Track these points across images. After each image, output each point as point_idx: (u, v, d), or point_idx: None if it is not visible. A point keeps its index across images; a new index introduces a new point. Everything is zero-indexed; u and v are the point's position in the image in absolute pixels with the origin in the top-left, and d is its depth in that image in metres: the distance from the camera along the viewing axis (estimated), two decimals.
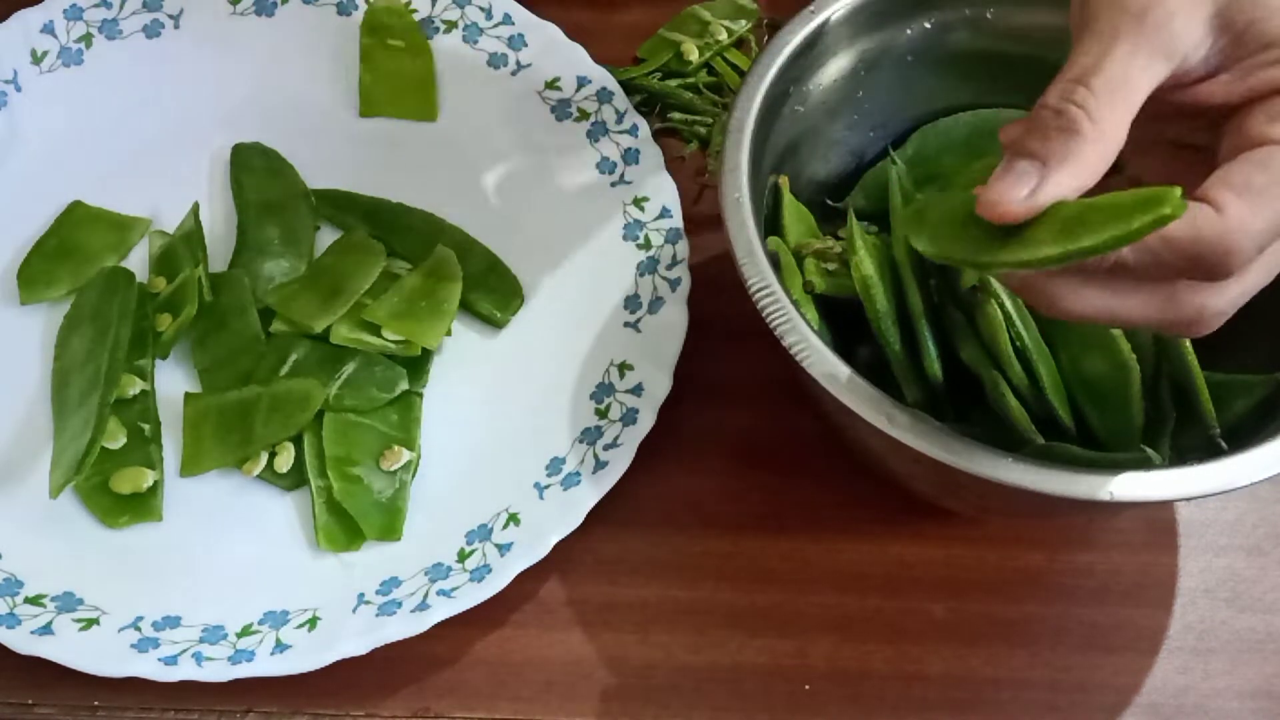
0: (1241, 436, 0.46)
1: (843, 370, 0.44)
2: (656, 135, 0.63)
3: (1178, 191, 0.33)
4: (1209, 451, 0.46)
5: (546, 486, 0.54)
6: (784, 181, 0.53)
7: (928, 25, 0.54)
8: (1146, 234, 0.34)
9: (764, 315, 0.45)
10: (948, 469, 0.43)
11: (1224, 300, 0.37)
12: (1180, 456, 0.49)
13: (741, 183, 0.48)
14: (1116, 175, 0.38)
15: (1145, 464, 0.45)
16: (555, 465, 0.54)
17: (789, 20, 0.52)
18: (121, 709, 0.50)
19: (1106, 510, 0.54)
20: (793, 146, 0.54)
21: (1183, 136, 0.41)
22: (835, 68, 0.54)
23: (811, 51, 0.53)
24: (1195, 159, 0.38)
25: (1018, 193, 0.36)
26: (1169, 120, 0.40)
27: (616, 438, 0.54)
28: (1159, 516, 0.56)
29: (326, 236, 0.61)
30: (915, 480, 0.51)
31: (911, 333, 0.51)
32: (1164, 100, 0.38)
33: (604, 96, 0.63)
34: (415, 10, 0.66)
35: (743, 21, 0.69)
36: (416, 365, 0.58)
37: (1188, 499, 0.53)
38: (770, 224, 0.52)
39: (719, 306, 0.58)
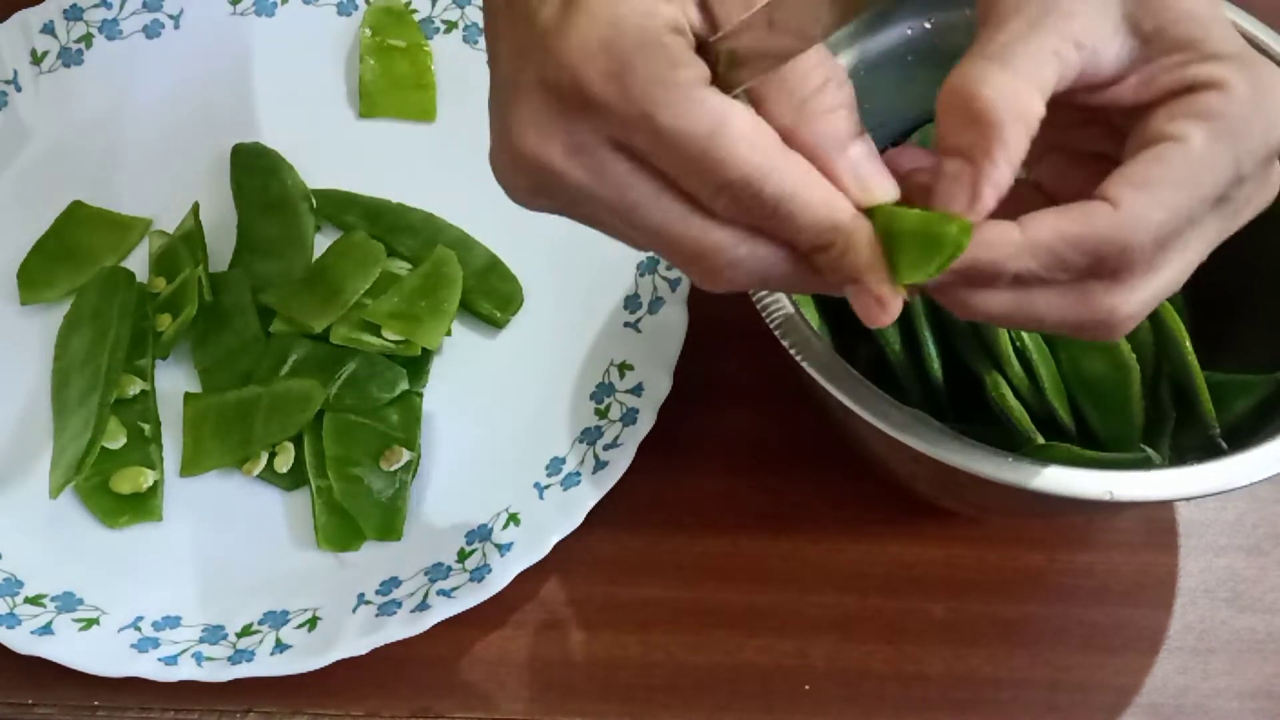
0: (1241, 436, 0.46)
1: (842, 370, 0.44)
2: None
3: (955, 227, 0.33)
4: (1209, 451, 0.46)
5: (546, 486, 0.54)
6: None
7: (928, 25, 0.54)
8: (946, 268, 0.33)
9: (764, 315, 0.45)
10: (947, 469, 0.43)
11: (1135, 302, 0.36)
12: (1180, 456, 0.49)
13: None
14: (1020, 178, 0.37)
15: (1145, 464, 0.45)
16: (555, 465, 0.54)
17: None
18: (121, 709, 0.50)
19: (1106, 510, 0.54)
20: None
21: (1086, 144, 0.40)
22: None
23: None
24: (1099, 168, 0.37)
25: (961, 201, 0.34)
26: (1073, 127, 0.39)
27: (616, 438, 0.54)
28: (1159, 516, 0.56)
29: (326, 236, 0.61)
30: (915, 480, 0.51)
31: (911, 333, 0.51)
32: (1070, 105, 0.37)
33: None
34: (415, 10, 0.66)
35: None
36: (416, 365, 0.58)
37: (1188, 499, 0.53)
38: None
39: (719, 306, 0.57)
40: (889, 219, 0.34)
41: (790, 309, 0.45)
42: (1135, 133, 0.36)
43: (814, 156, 0.34)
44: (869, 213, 0.34)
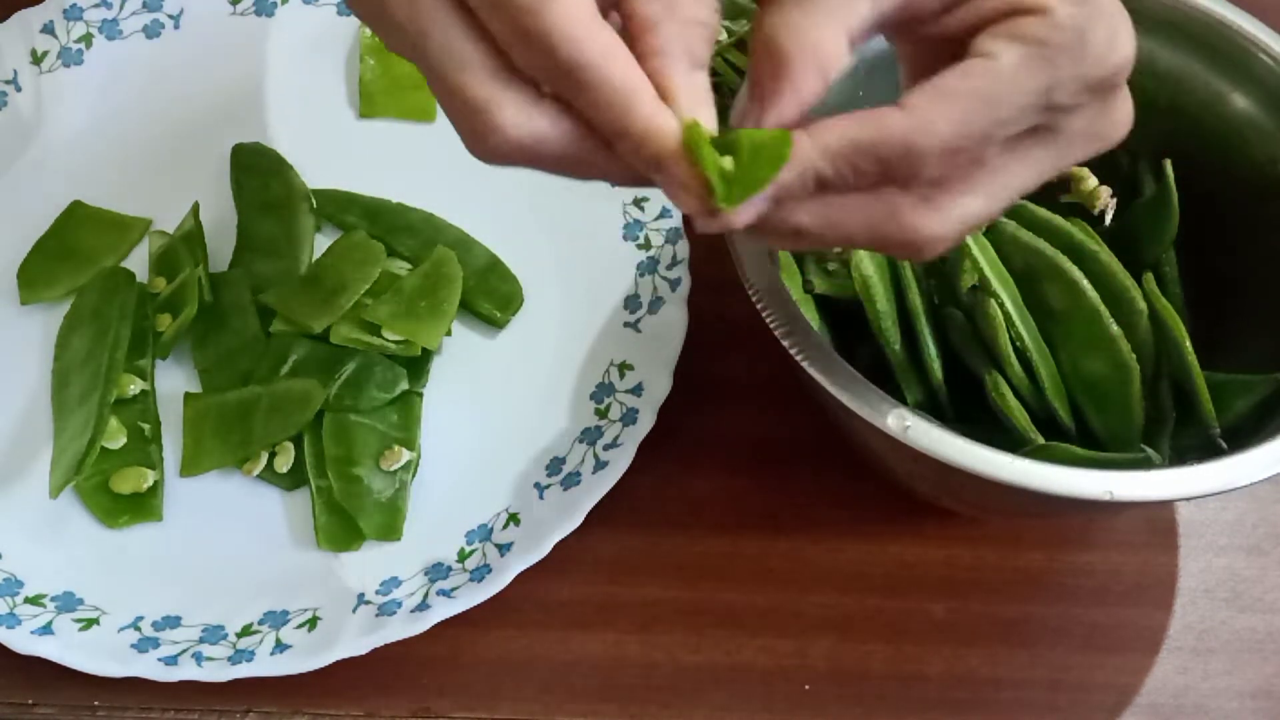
0: (1241, 436, 0.46)
1: (842, 370, 0.44)
2: None
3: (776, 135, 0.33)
4: (1209, 451, 0.46)
5: (546, 486, 0.54)
6: None
7: None
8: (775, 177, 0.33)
9: (764, 315, 0.45)
10: (947, 469, 0.43)
11: (941, 221, 0.35)
12: (1180, 457, 0.49)
13: None
14: None
15: (1145, 464, 0.45)
16: (555, 465, 0.54)
17: None
18: (121, 709, 0.50)
19: (1106, 510, 0.54)
20: None
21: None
22: None
23: None
24: None
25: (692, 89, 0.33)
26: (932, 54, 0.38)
27: (616, 438, 0.54)
28: (1159, 516, 0.56)
29: (326, 236, 0.61)
30: (915, 480, 0.51)
31: (912, 333, 0.51)
32: (901, 39, 0.38)
33: None
34: None
35: (743, 21, 0.69)
36: (416, 365, 0.58)
37: (1187, 499, 0.53)
38: None
39: (719, 306, 0.58)
40: (705, 142, 0.33)
41: (791, 309, 0.45)
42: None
43: (659, 58, 0.33)
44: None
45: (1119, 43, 0.35)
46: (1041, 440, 0.48)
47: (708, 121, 0.33)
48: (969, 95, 0.34)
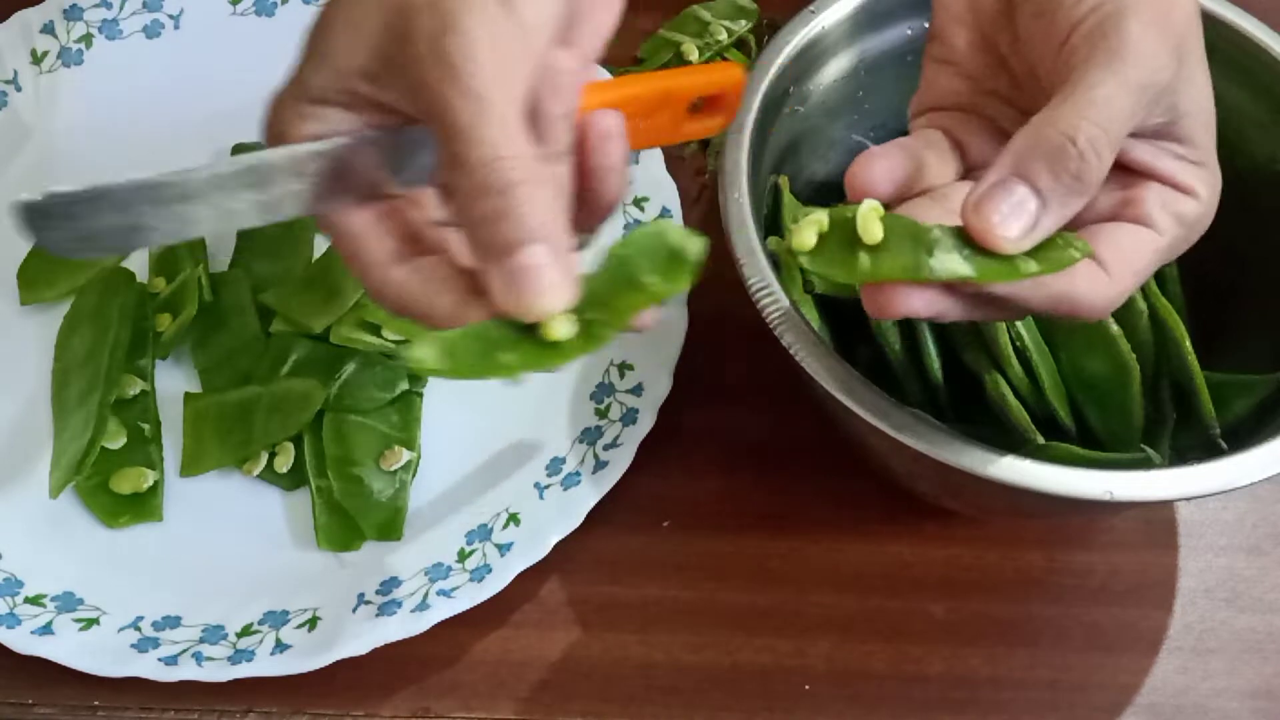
0: (1241, 436, 0.46)
1: (842, 370, 0.44)
2: None
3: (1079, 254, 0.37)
4: (1209, 451, 0.46)
5: (546, 486, 0.54)
6: (784, 182, 0.53)
7: (927, 25, 0.54)
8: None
9: (764, 315, 0.45)
10: (947, 468, 0.43)
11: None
12: (1181, 457, 0.49)
13: (741, 182, 0.48)
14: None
15: (1145, 464, 0.45)
16: (555, 465, 0.54)
17: (789, 20, 0.52)
18: (121, 709, 0.50)
19: (1107, 510, 0.54)
20: (793, 146, 0.54)
21: (1000, 119, 0.44)
22: (835, 68, 0.54)
23: (811, 51, 0.53)
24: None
25: (1015, 227, 0.37)
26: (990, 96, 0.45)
27: (616, 438, 0.54)
28: (1159, 516, 0.56)
29: (326, 236, 0.61)
30: (915, 480, 0.51)
31: (912, 333, 0.51)
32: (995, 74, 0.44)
33: None
34: None
35: (743, 21, 0.69)
36: None
37: (1188, 499, 0.53)
38: (770, 224, 0.52)
39: (719, 306, 0.57)
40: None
41: (790, 308, 0.45)
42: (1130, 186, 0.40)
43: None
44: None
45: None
46: (1041, 440, 0.48)
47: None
48: (1145, 268, 0.40)
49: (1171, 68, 0.39)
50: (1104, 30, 0.38)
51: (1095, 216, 0.40)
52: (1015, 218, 0.37)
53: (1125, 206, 0.40)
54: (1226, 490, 0.43)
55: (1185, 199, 0.41)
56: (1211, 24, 0.50)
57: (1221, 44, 0.51)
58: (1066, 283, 0.38)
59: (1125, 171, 0.40)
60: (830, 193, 0.56)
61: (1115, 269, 0.39)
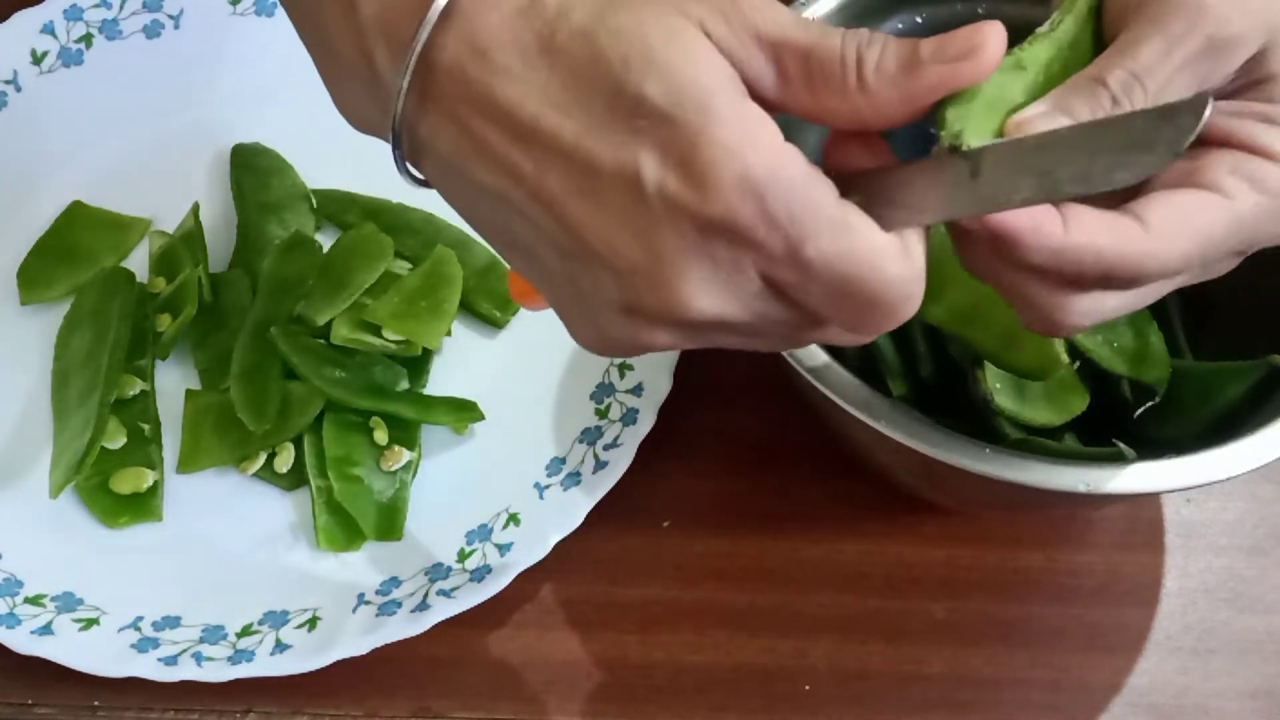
0: (1237, 423, 0.46)
1: (825, 362, 0.44)
2: None
3: None
4: (1203, 444, 0.46)
5: (546, 486, 0.54)
6: None
7: (919, 20, 0.54)
8: None
9: None
10: (928, 460, 0.43)
11: (1083, 314, 0.36)
12: (1177, 449, 0.49)
13: None
14: None
15: (1119, 459, 0.45)
16: (555, 465, 0.54)
17: None
18: (121, 709, 0.50)
19: (1087, 503, 0.53)
20: None
21: None
22: None
23: None
24: None
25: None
26: None
27: (616, 438, 0.54)
28: (1159, 517, 0.56)
29: (326, 236, 0.61)
30: (898, 472, 0.51)
31: (902, 329, 0.51)
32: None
33: None
34: None
35: None
36: (416, 365, 0.58)
37: (1166, 492, 0.53)
38: None
39: None
40: None
41: None
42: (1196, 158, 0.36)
43: None
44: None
45: None
46: (1022, 434, 0.48)
47: None
48: (1206, 234, 0.35)
49: (1244, 22, 0.36)
50: None
51: (1159, 187, 0.36)
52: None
53: (1190, 176, 0.36)
54: (1205, 484, 0.43)
55: (1265, 163, 0.36)
56: None
57: None
58: (1086, 235, 0.33)
59: (1201, 144, 0.37)
60: None
61: (1158, 225, 0.34)
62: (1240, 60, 0.37)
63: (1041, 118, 0.35)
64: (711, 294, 0.32)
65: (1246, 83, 0.38)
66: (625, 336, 0.34)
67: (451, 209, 0.37)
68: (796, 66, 0.32)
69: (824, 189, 0.32)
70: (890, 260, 0.32)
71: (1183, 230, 0.35)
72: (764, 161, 0.31)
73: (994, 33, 0.32)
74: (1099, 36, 0.39)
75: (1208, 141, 0.37)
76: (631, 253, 0.32)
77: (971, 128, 0.32)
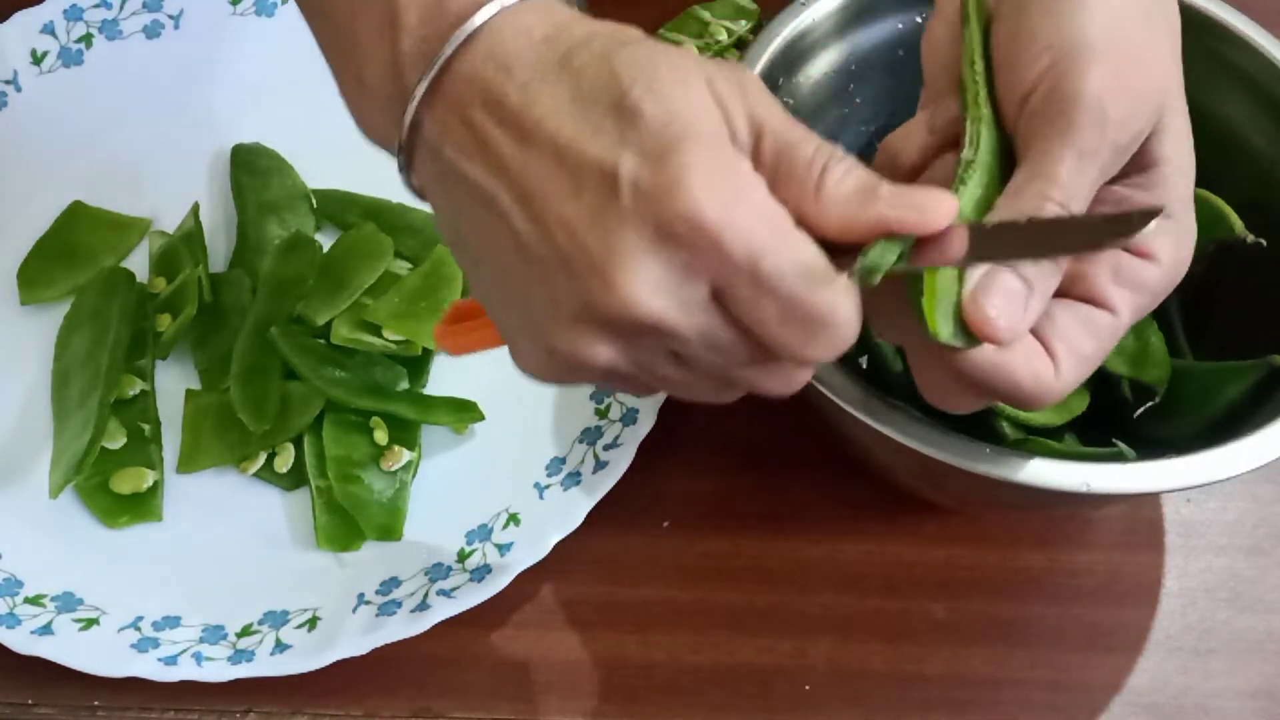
0: (1238, 422, 0.46)
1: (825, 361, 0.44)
2: None
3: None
4: (1202, 443, 0.46)
5: (546, 486, 0.54)
6: None
7: (918, 19, 0.54)
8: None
9: None
10: (928, 461, 0.43)
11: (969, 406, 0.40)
12: (1177, 448, 0.49)
13: None
14: None
15: (1118, 458, 0.45)
16: (555, 465, 0.54)
17: (779, 13, 0.52)
18: (121, 709, 0.50)
19: (1087, 503, 0.53)
20: None
21: None
22: (825, 61, 0.54)
23: (800, 44, 0.53)
24: None
25: (1013, 317, 0.37)
26: None
27: (616, 438, 0.54)
28: (1158, 517, 0.56)
29: (326, 236, 0.61)
30: (898, 472, 0.51)
31: None
32: None
33: None
34: None
35: (743, 22, 0.69)
36: (416, 365, 0.58)
37: (1165, 492, 0.53)
38: None
39: None
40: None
41: None
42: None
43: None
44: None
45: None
46: (1022, 435, 0.48)
47: None
48: (1096, 357, 0.39)
49: (1142, 118, 0.38)
50: (1062, 93, 0.38)
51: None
52: (1008, 307, 0.36)
53: (1075, 282, 0.39)
54: (1203, 484, 0.43)
55: (1144, 265, 0.39)
56: (1211, 25, 0.51)
57: (1221, 45, 0.51)
58: (1006, 376, 0.37)
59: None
60: None
61: (1063, 362, 0.38)
62: (1135, 149, 0.39)
63: (989, 277, 0.37)
64: (659, 294, 0.33)
65: (1131, 167, 0.40)
66: (567, 348, 0.35)
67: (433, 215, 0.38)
68: (770, 151, 0.34)
69: (787, 217, 0.33)
70: (844, 286, 0.34)
71: (1079, 357, 0.38)
72: (735, 181, 0.33)
73: (947, 205, 0.34)
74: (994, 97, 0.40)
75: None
76: (594, 250, 0.33)
77: (885, 270, 0.34)
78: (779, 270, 0.33)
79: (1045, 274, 0.37)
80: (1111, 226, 0.35)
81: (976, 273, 0.36)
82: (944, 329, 0.36)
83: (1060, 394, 0.38)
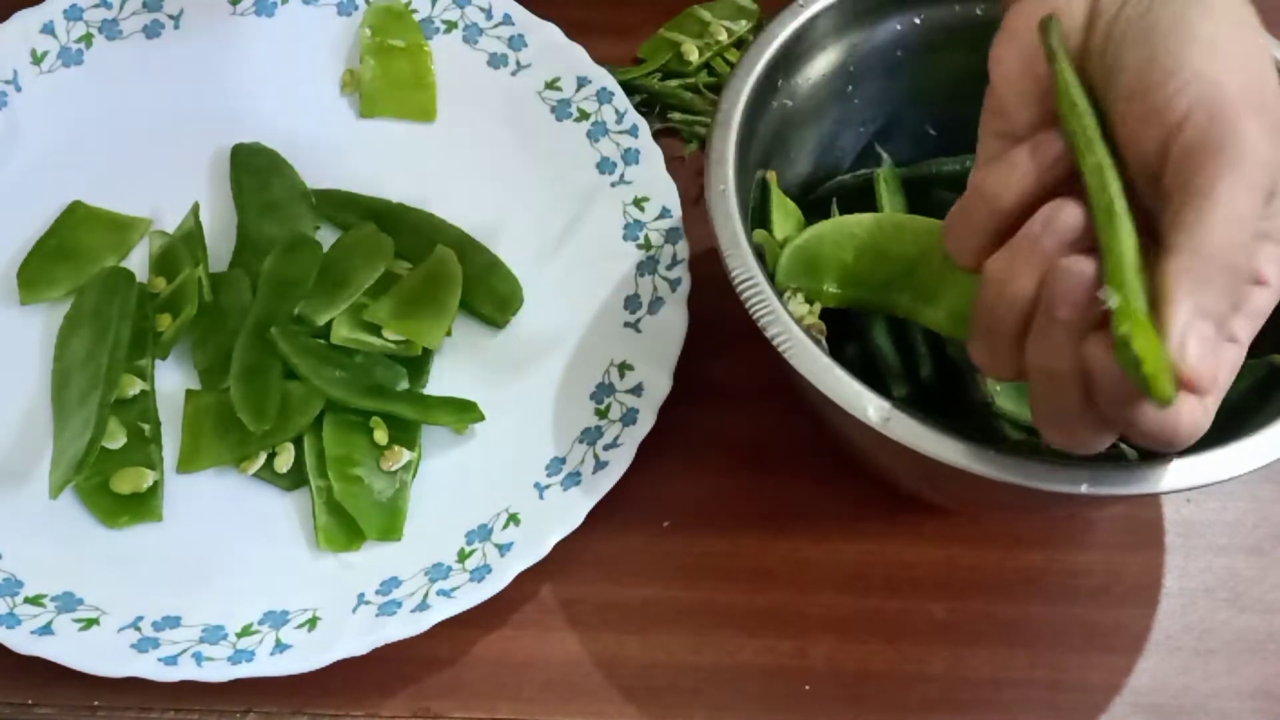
0: (1241, 421, 0.46)
1: (825, 362, 0.44)
2: (656, 135, 0.63)
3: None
4: (1199, 444, 0.46)
5: (546, 486, 0.54)
6: (772, 177, 0.53)
7: (917, 21, 0.54)
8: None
9: (748, 307, 0.45)
10: (928, 462, 0.43)
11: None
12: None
13: (727, 174, 0.48)
14: None
15: (1119, 458, 0.45)
16: (555, 465, 0.54)
17: (779, 13, 0.52)
18: (121, 709, 0.50)
19: (1086, 505, 0.53)
20: (780, 140, 0.54)
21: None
22: (824, 62, 0.54)
23: (799, 45, 0.53)
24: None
25: (1212, 363, 0.37)
26: None
27: (616, 438, 0.54)
28: (1159, 517, 0.56)
29: (327, 237, 0.61)
30: (898, 473, 0.51)
31: (901, 330, 0.51)
32: None
33: (604, 97, 0.63)
34: (415, 10, 0.66)
35: (743, 22, 0.69)
36: (416, 365, 0.58)
37: (1164, 493, 0.53)
38: (758, 218, 0.52)
39: (719, 306, 0.57)
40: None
41: (774, 301, 0.45)
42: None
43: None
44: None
45: None
46: (1023, 435, 0.48)
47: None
48: (1229, 382, 0.39)
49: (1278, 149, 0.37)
50: (1219, 138, 0.37)
51: None
52: (1209, 356, 0.36)
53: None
54: (1202, 485, 0.43)
55: (1259, 291, 0.39)
56: None
57: None
58: (1173, 423, 0.37)
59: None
60: (817, 187, 0.57)
61: (1209, 394, 0.37)
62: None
63: (1194, 333, 0.36)
64: None
65: None
66: None
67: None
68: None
69: None
70: None
71: (1219, 401, 0.38)
72: None
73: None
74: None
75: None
76: None
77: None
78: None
79: (1248, 321, 0.38)
80: None
81: (1175, 326, 0.36)
82: (1169, 389, 0.35)
83: (1203, 430, 0.38)
